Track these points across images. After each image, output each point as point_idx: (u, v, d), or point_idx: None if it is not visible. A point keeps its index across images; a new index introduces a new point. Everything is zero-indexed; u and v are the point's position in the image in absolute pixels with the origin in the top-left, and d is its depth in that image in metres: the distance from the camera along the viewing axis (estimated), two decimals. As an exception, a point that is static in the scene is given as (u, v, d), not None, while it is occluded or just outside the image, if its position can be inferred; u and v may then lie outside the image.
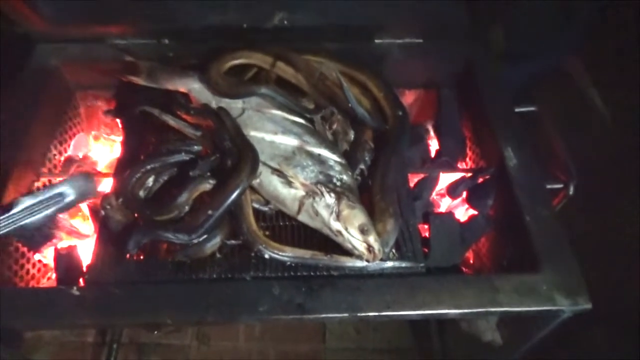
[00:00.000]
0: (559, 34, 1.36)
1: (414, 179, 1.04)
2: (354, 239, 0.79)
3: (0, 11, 1.02)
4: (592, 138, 1.50)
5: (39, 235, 0.92)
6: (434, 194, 1.06)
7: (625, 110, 1.45)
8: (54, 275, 0.97)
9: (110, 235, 0.85)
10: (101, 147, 1.21)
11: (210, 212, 0.80)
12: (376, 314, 0.78)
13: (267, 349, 1.60)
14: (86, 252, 0.94)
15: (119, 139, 1.12)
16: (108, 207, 0.84)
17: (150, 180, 0.87)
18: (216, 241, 0.82)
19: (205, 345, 1.61)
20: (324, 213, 0.82)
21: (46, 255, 0.98)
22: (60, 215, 1.00)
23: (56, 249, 0.91)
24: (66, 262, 0.90)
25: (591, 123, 1.52)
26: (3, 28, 1.05)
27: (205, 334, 1.63)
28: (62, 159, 1.09)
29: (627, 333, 1.21)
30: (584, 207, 1.06)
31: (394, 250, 0.85)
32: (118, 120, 1.08)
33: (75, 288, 0.79)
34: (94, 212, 0.98)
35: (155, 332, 1.64)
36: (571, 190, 0.96)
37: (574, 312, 0.80)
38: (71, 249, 0.92)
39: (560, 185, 0.97)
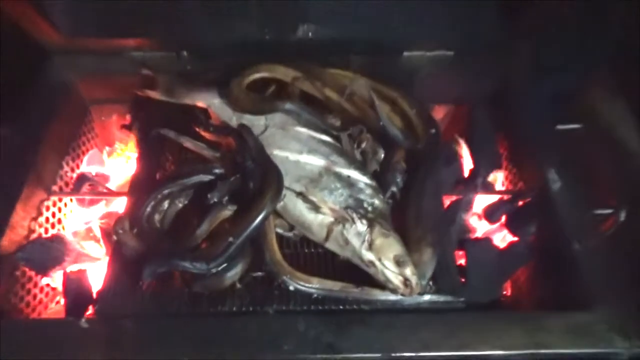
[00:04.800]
0: (592, 46, 1.29)
1: (446, 201, 0.97)
2: (389, 272, 0.73)
3: (15, 22, 0.98)
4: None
5: (47, 259, 0.87)
6: (469, 217, 0.98)
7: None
8: (63, 301, 0.91)
9: (122, 262, 0.79)
10: (115, 162, 1.16)
11: (230, 239, 0.74)
12: (412, 354, 0.71)
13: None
14: (97, 276, 0.89)
15: (134, 154, 1.08)
16: (121, 232, 0.78)
17: (166, 204, 0.81)
18: (237, 271, 0.77)
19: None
20: (355, 242, 0.75)
21: (55, 279, 0.93)
22: (71, 236, 0.96)
23: (65, 274, 0.86)
24: (75, 288, 0.84)
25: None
26: (17, 40, 1.01)
27: None
28: (74, 175, 1.04)
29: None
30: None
31: (430, 283, 0.78)
32: (134, 136, 1.03)
33: (83, 320, 0.74)
34: (106, 233, 0.93)
35: None
36: (622, 217, 0.88)
37: (632, 355, 0.73)
38: (81, 273, 0.86)
39: (609, 211, 0.89)
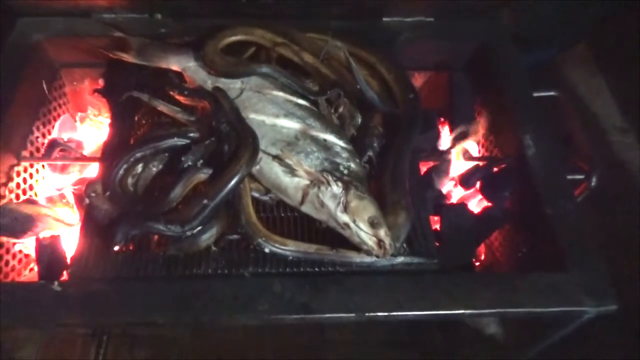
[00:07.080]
0: (570, 20, 1.29)
1: (423, 167, 0.97)
2: (363, 233, 0.73)
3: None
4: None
5: (19, 224, 0.85)
6: (445, 183, 0.99)
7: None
8: (36, 267, 0.90)
9: (95, 226, 0.78)
10: (88, 129, 1.12)
11: (205, 201, 0.73)
12: (386, 314, 0.72)
13: (264, 342, 1.54)
14: (70, 242, 0.88)
15: (107, 120, 1.05)
16: (93, 194, 0.76)
17: (139, 168, 0.79)
18: (212, 233, 0.75)
19: (200, 338, 1.54)
20: (330, 204, 0.75)
21: (28, 246, 0.91)
22: (43, 202, 0.94)
23: (38, 240, 0.84)
24: (49, 254, 0.83)
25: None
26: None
27: (200, 326, 1.56)
28: (46, 141, 1.01)
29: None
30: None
31: (404, 245, 0.78)
32: (106, 101, 1.00)
33: (56, 283, 0.72)
34: (79, 199, 0.91)
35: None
36: (593, 182, 0.89)
37: (599, 313, 0.75)
38: (54, 239, 0.85)
39: (581, 176, 0.90)
